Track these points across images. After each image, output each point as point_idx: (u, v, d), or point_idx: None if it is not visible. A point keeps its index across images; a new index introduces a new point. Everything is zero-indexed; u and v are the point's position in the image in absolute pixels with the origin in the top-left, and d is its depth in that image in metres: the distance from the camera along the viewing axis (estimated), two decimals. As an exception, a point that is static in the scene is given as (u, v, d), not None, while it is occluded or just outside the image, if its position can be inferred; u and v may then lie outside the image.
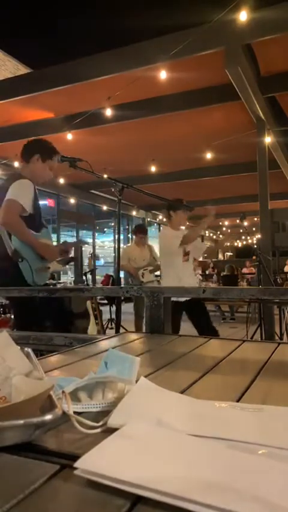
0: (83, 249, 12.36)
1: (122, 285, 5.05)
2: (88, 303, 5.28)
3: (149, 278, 5.24)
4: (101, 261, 15.85)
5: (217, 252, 23.94)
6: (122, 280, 10.21)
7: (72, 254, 2.92)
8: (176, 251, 3.55)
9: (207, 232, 19.54)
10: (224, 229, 20.21)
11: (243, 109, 5.32)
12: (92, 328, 5.24)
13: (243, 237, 21.82)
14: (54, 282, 5.86)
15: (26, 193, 2.44)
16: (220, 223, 17.74)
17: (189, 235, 3.60)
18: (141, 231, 5.65)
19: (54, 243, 2.98)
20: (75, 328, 2.83)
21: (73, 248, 3.04)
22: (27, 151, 2.60)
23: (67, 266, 12.78)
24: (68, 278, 11.92)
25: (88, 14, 23.98)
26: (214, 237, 22.79)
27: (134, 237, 5.86)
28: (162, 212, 3.93)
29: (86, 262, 11.24)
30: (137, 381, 0.76)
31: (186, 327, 3.62)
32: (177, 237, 3.54)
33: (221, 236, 23.11)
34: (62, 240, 12.17)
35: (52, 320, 2.54)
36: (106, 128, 6.20)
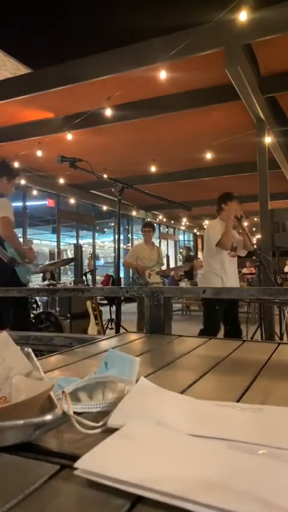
0: (83, 249, 12.38)
1: (122, 285, 5.03)
2: (88, 303, 5.28)
3: (155, 279, 5.18)
4: (101, 261, 15.85)
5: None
6: (122, 280, 10.21)
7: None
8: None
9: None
10: None
11: (243, 109, 5.32)
12: (92, 329, 5.24)
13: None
14: (54, 282, 5.84)
15: (11, 210, 2.98)
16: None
17: (222, 240, 3.45)
18: (147, 225, 5.56)
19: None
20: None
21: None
22: None
23: (67, 266, 12.81)
24: (68, 278, 11.92)
25: (88, 14, 23.94)
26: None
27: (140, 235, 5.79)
28: (215, 204, 3.71)
29: (86, 262, 11.25)
30: (137, 381, 0.76)
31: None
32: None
33: None
34: (62, 241, 12.20)
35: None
36: (106, 128, 6.19)
